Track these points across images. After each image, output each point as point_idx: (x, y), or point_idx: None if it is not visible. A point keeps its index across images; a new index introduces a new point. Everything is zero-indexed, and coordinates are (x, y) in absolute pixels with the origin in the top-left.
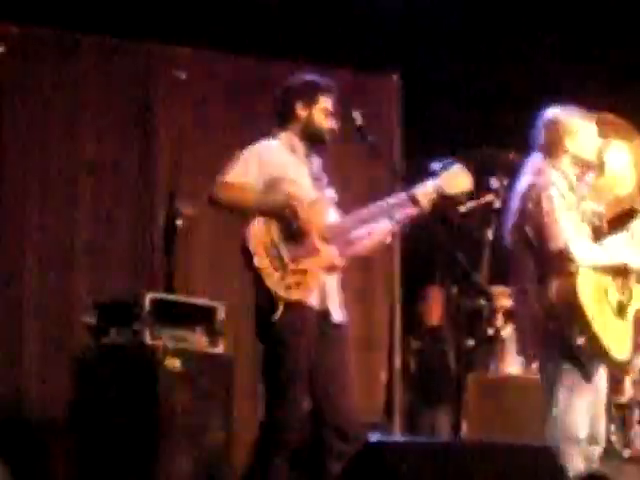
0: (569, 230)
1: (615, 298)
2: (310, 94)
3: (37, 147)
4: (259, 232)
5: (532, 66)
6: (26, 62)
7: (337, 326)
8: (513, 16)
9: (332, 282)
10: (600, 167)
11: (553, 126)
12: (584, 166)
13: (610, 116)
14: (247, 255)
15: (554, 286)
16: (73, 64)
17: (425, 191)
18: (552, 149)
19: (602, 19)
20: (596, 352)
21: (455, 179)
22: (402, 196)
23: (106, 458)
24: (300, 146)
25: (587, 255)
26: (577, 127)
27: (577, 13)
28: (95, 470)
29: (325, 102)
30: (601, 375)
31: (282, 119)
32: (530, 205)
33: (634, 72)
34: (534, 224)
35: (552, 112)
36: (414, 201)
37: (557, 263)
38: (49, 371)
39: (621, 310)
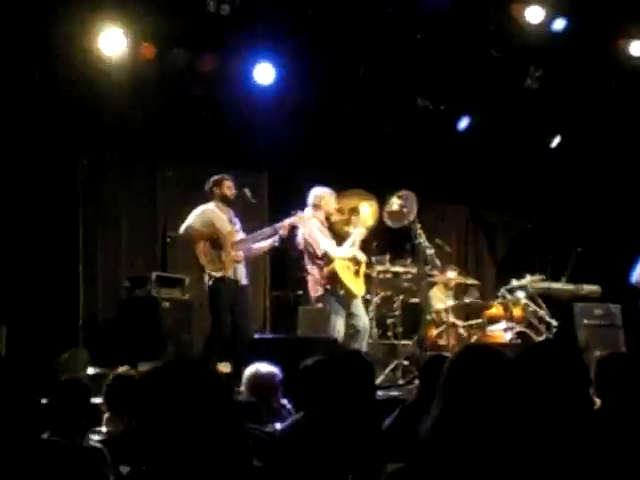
0: (325, 243)
1: (353, 269)
2: (219, 181)
3: None
4: (203, 247)
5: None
6: None
7: (243, 286)
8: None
9: (241, 266)
10: (357, 213)
11: (318, 197)
12: (330, 216)
13: (360, 190)
14: (197, 260)
15: (326, 269)
16: None
17: (283, 225)
18: (316, 208)
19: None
20: (350, 294)
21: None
22: (273, 228)
23: None
24: (222, 206)
25: (336, 253)
26: (329, 199)
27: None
28: None
29: (227, 183)
30: (358, 304)
31: (211, 195)
32: (306, 233)
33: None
34: (310, 242)
35: (318, 189)
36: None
37: (325, 259)
38: None
39: (357, 274)
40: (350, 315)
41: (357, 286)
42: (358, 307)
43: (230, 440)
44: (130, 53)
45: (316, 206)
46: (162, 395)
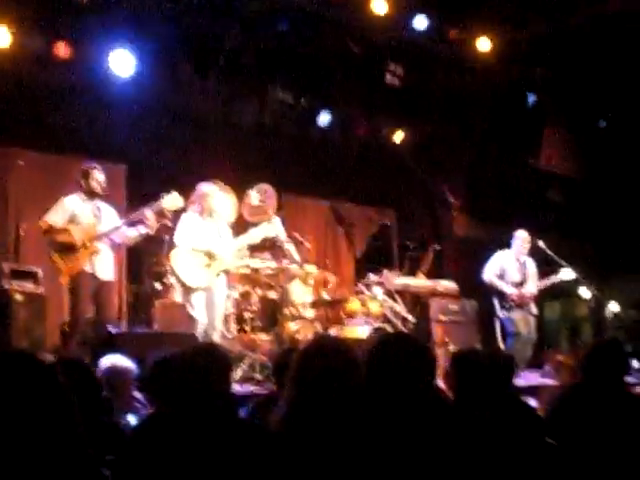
0: (179, 233)
1: (203, 262)
2: (87, 172)
3: None
4: (59, 245)
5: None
6: None
7: (104, 281)
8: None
9: (102, 260)
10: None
11: (199, 194)
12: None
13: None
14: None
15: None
16: None
17: (140, 215)
18: (192, 203)
19: None
20: (184, 285)
21: (172, 200)
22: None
23: None
24: (85, 197)
25: (182, 242)
26: (209, 195)
27: None
28: None
29: (95, 175)
30: (199, 296)
31: (78, 186)
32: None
33: None
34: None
35: (202, 185)
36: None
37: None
38: None
39: (209, 265)
40: (191, 307)
41: (198, 278)
42: (199, 299)
43: (60, 435)
44: None
45: (192, 201)
46: None
